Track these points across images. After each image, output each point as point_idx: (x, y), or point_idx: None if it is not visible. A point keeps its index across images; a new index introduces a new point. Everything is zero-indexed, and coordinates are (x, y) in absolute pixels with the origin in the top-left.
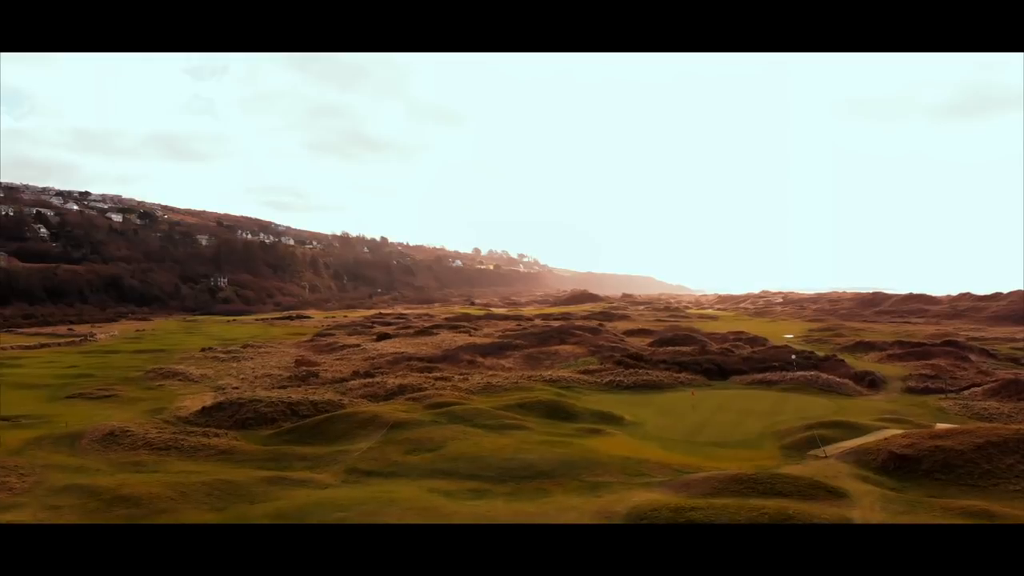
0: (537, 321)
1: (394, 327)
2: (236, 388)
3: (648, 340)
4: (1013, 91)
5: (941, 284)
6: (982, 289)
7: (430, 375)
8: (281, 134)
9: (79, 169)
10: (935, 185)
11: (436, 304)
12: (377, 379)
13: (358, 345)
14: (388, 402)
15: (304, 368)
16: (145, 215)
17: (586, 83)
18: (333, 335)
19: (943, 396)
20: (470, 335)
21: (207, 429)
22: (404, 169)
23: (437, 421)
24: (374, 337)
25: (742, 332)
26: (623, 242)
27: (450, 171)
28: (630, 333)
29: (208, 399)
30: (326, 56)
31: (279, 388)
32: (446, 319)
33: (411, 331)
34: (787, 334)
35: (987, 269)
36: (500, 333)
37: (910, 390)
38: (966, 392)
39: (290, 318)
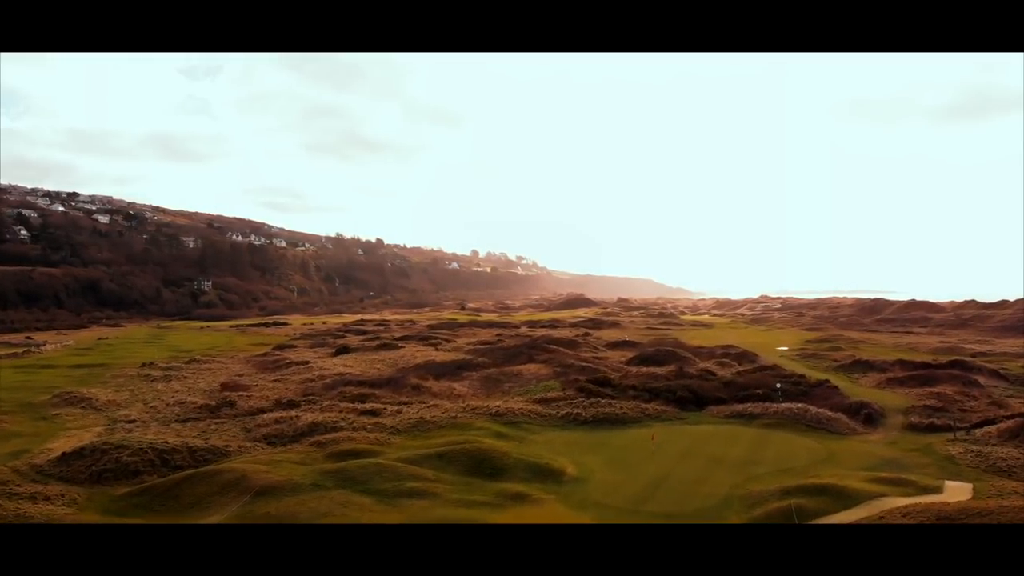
0: (523, 329)
1: (363, 337)
2: (131, 422)
3: (628, 355)
4: (1013, 92)
5: (942, 286)
6: (983, 292)
7: (360, 406)
8: (278, 135)
9: (77, 170)
10: (935, 187)
11: (427, 308)
12: (295, 412)
13: (307, 362)
14: (286, 448)
15: (226, 394)
16: (132, 216)
17: (585, 83)
18: (294, 347)
19: (951, 437)
20: (436, 349)
21: (46, 487)
22: (403, 170)
23: (320, 485)
24: (333, 351)
25: (731, 346)
26: (623, 244)
27: (449, 172)
28: (613, 345)
29: (87, 437)
30: (321, 56)
31: (181, 422)
32: (427, 326)
33: (375, 344)
34: (781, 346)
35: (988, 271)
36: (470, 347)
37: (912, 427)
38: (978, 431)
39: (266, 325)
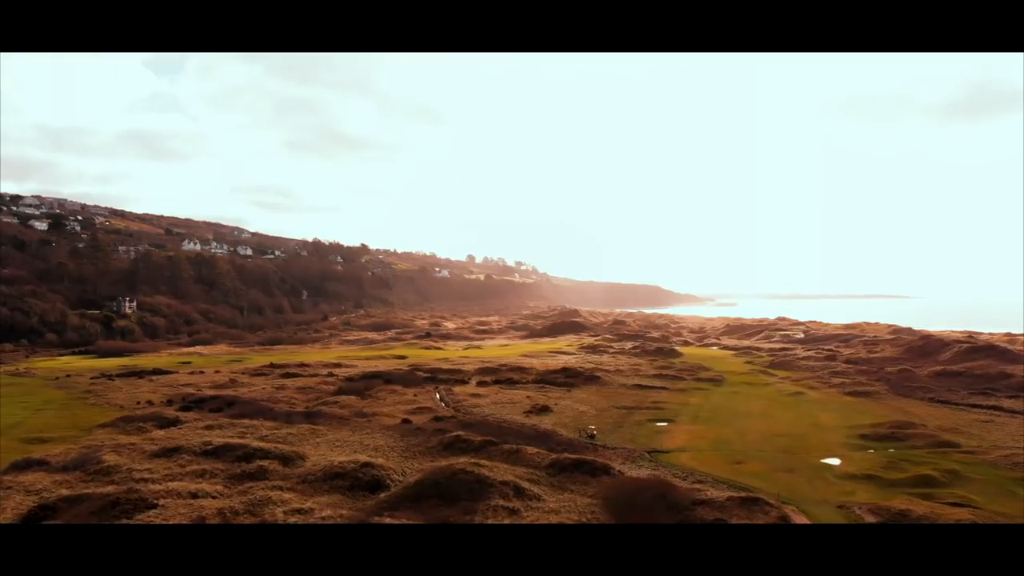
0: (467, 387)
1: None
2: None
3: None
4: (1014, 89)
5: (942, 287)
6: (983, 293)
7: None
8: (254, 132)
9: (58, 168)
10: (934, 187)
11: (392, 331)
12: None
13: None
14: None
15: None
16: (79, 222)
17: (581, 82)
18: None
19: None
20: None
21: None
22: (396, 170)
23: None
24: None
25: (750, 490)
26: (625, 245)
27: (447, 172)
28: (558, 469)
29: None
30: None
31: None
32: (333, 386)
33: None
34: (829, 440)
35: (987, 273)
36: None
37: None
38: None
39: (139, 375)
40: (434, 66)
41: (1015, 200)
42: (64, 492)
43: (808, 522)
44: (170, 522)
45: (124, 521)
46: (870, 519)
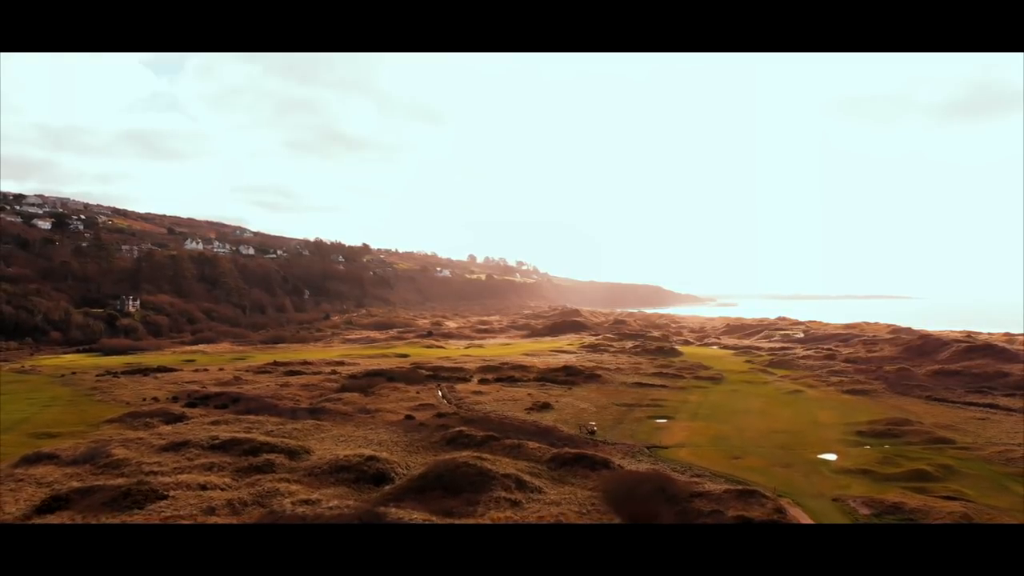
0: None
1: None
2: None
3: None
4: (1014, 88)
5: (942, 287)
6: (984, 294)
7: None
8: (254, 132)
9: (57, 167)
10: (933, 187)
11: (394, 330)
12: None
13: None
14: None
15: None
16: (82, 220)
17: (577, 82)
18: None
19: None
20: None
21: None
22: (394, 169)
23: None
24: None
25: (749, 486)
26: (626, 245)
27: (446, 172)
28: (559, 463)
29: None
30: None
31: None
32: (345, 376)
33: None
34: (826, 436)
35: (987, 273)
36: None
37: None
38: None
39: (144, 372)
40: (434, 66)
41: (1015, 200)
42: (75, 484)
43: (803, 513)
44: (181, 512)
45: (136, 511)
46: (864, 511)
